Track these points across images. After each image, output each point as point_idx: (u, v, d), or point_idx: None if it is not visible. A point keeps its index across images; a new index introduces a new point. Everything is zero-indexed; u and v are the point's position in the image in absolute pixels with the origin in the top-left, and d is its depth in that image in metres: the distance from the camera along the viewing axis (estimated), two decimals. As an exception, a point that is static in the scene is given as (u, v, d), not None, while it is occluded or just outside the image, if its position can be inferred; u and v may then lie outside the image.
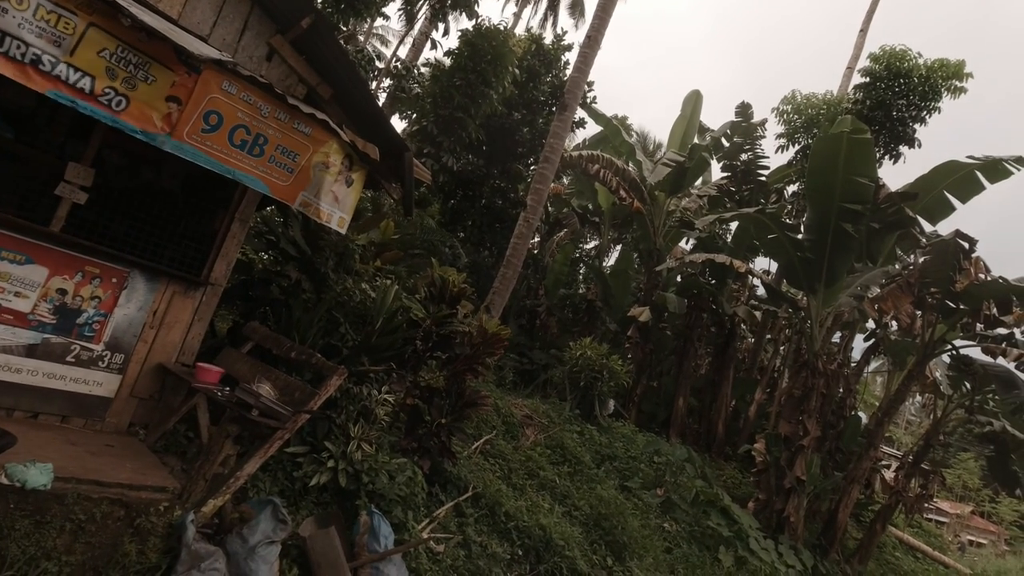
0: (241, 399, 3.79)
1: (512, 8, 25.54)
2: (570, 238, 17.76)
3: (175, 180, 5.50)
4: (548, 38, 14.84)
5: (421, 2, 13.67)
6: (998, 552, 23.10)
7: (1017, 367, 9.71)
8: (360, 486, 4.57)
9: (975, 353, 10.55)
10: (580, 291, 17.06)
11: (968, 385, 11.30)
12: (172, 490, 3.55)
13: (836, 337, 13.58)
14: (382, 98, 14.45)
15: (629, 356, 13.94)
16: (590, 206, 18.13)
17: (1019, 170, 10.23)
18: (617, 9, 12.61)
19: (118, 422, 4.28)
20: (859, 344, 13.64)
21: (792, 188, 15.90)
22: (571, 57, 13.70)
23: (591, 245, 20.35)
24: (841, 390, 11.57)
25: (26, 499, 2.93)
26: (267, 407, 3.80)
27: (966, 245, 9.50)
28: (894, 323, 12.64)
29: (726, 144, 14.55)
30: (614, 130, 16.01)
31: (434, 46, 16.43)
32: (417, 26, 16.71)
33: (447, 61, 12.02)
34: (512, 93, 12.73)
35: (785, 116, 15.36)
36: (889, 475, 12.87)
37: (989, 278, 9.79)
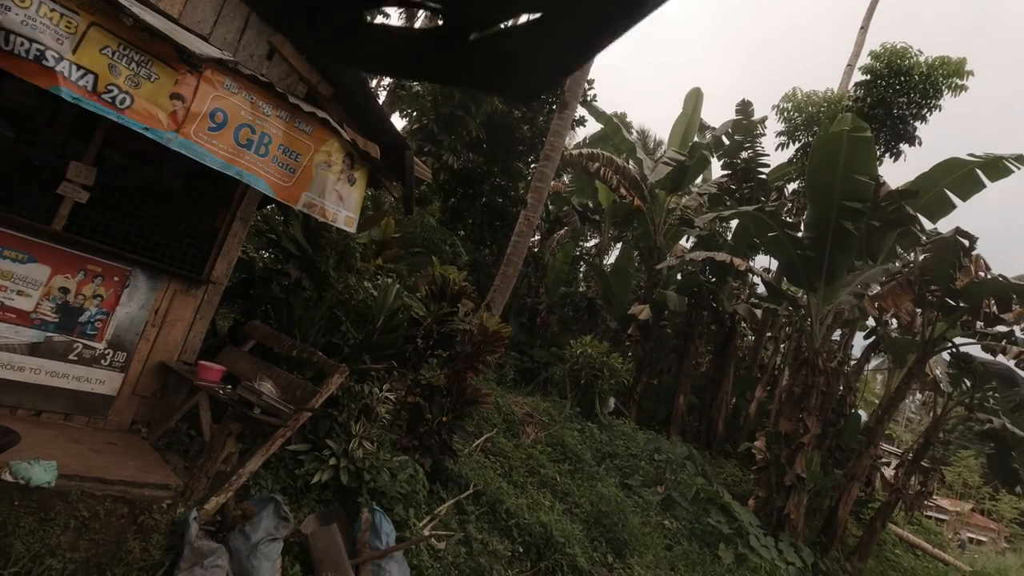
0: (243, 397, 3.80)
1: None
2: (571, 236, 17.76)
3: (176, 179, 5.50)
4: (548, 35, 14.80)
5: None
6: (998, 549, 23.12)
7: (1017, 364, 9.74)
8: (362, 484, 4.59)
9: (975, 351, 10.59)
10: (580, 289, 17.09)
11: (968, 383, 11.33)
12: (175, 487, 3.57)
13: (836, 335, 13.61)
14: (382, 96, 14.45)
15: (629, 354, 13.96)
16: (590, 204, 18.13)
17: (1020, 168, 10.22)
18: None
19: (120, 420, 4.30)
20: (859, 342, 13.70)
21: (792, 186, 15.91)
22: (571, 55, 13.65)
23: (591, 243, 20.37)
24: (841, 388, 11.60)
25: (30, 496, 2.95)
26: (269, 405, 3.81)
27: (966, 243, 9.52)
28: (894, 321, 12.67)
29: (727, 142, 14.55)
30: (614, 128, 16.01)
31: (435, 44, 16.39)
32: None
33: (448, 59, 11.98)
34: (512, 91, 12.70)
35: (785, 114, 15.35)
36: (889, 473, 12.89)
37: (989, 276, 9.80)
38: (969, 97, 13.91)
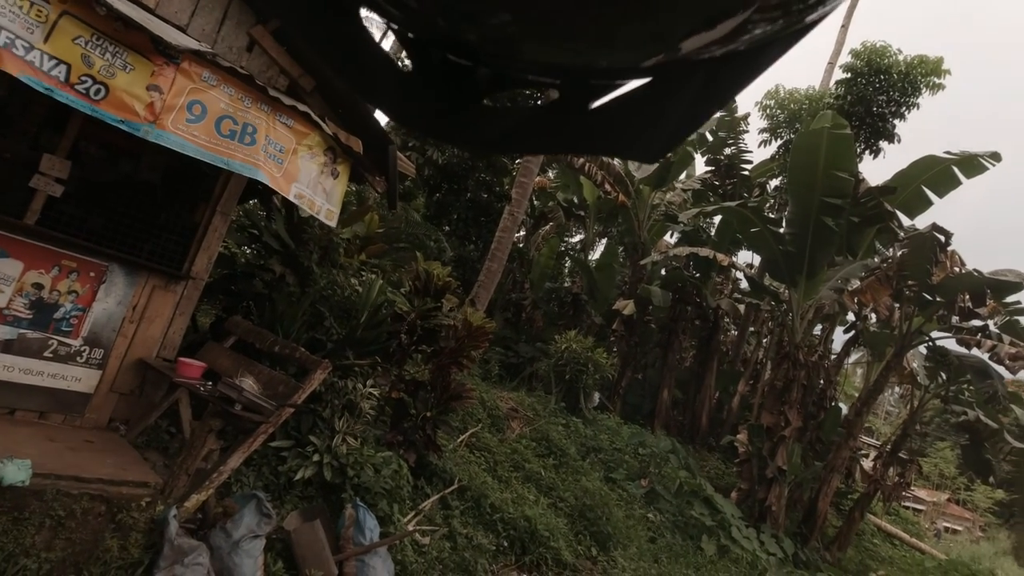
0: (224, 393, 3.76)
1: None
2: (555, 232, 17.77)
3: (155, 172, 5.40)
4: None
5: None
6: (973, 538, 23.71)
7: (990, 357, 9.96)
8: (345, 480, 4.57)
9: (950, 344, 10.81)
10: (565, 284, 17.13)
11: (944, 375, 11.58)
12: (154, 485, 3.52)
13: (817, 329, 13.81)
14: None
15: (614, 349, 14.05)
16: (575, 200, 18.16)
17: (994, 166, 10.44)
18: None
19: (98, 418, 4.23)
20: (839, 336, 13.90)
21: (775, 182, 16.09)
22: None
23: (576, 239, 20.41)
24: (822, 381, 11.78)
25: (3, 496, 2.89)
26: (250, 401, 3.77)
27: (942, 238, 9.71)
28: (873, 315, 12.89)
29: (710, 138, 14.66)
30: (599, 124, 16.02)
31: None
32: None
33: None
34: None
35: (768, 111, 15.52)
36: (868, 464, 13.16)
37: (964, 271, 10.02)
38: (945, 95, 14.18)
